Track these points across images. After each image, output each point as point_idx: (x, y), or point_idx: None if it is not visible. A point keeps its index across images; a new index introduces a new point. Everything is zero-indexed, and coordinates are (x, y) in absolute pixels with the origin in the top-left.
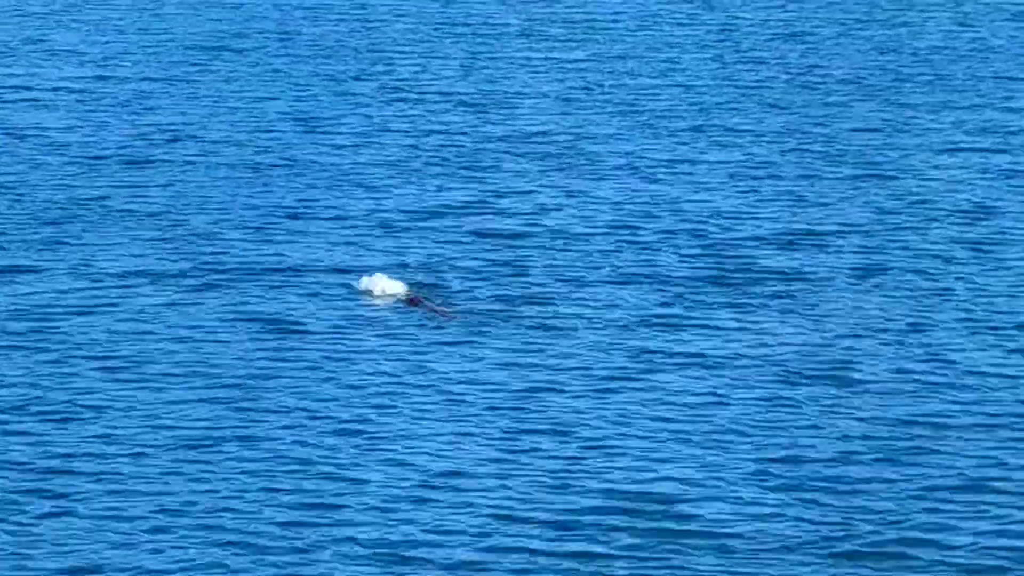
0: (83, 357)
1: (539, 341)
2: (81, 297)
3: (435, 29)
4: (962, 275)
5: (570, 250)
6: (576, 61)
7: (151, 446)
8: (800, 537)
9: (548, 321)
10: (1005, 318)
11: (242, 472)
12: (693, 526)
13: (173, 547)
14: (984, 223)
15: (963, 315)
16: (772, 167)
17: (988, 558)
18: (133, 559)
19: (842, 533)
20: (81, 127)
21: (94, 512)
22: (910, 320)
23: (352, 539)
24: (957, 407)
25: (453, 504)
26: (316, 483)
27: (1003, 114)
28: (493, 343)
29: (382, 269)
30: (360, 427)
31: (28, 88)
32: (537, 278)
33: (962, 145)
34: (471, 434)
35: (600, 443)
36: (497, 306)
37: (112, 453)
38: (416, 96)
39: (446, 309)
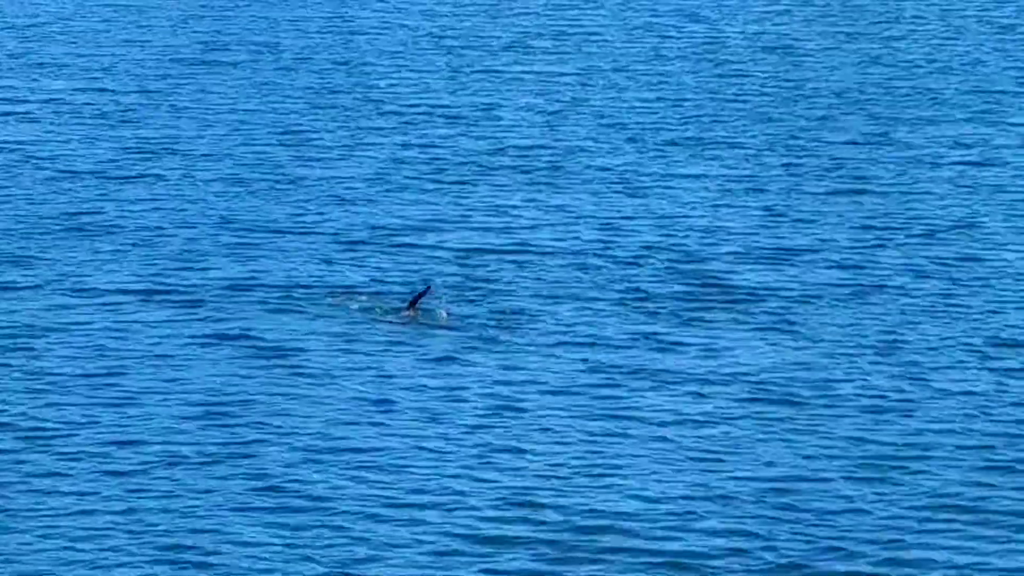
0: (58, 374)
1: (515, 357)
2: (58, 313)
3: (421, 42)
4: (943, 292)
5: (550, 265)
6: (560, 75)
7: (122, 463)
8: (765, 559)
9: (525, 337)
10: (985, 337)
11: (208, 491)
12: (659, 547)
13: (137, 564)
14: (966, 239)
15: (943, 333)
16: (754, 182)
17: None
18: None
19: (810, 555)
20: (62, 141)
21: (58, 529)
22: (889, 338)
23: (315, 556)
24: (934, 428)
25: (415, 521)
26: (288, 500)
27: (987, 128)
28: (468, 358)
29: (363, 285)
30: (332, 444)
31: (10, 101)
32: (515, 294)
33: (944, 160)
34: (439, 451)
35: (570, 462)
36: (473, 321)
37: (83, 470)
38: (401, 110)
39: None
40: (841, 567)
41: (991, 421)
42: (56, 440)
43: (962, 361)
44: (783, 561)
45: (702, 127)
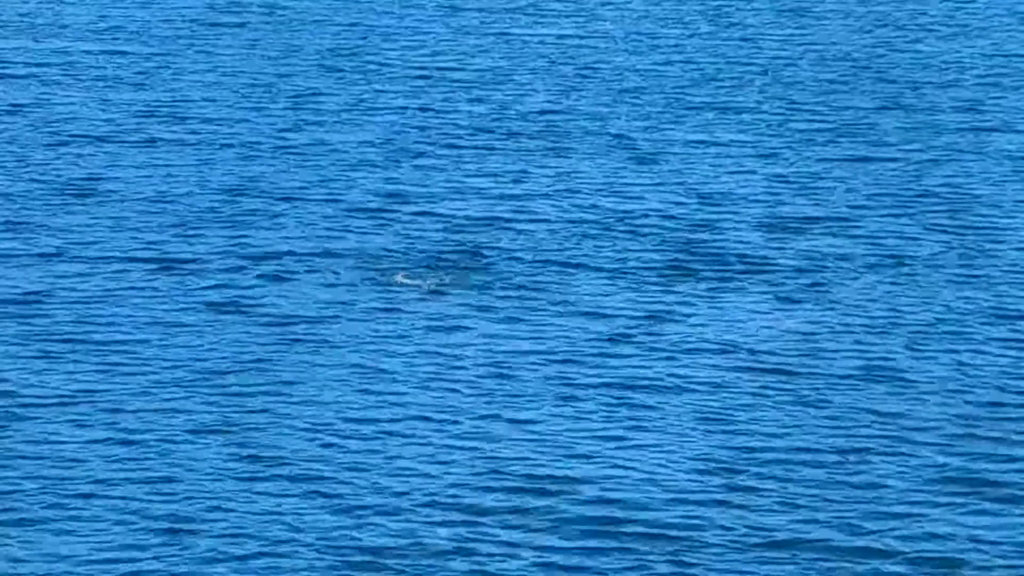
0: (56, 341)
1: (516, 325)
2: (56, 280)
3: (430, 5)
4: (954, 262)
5: (551, 232)
6: (563, 38)
7: (119, 430)
8: (740, 530)
9: (522, 304)
10: (996, 309)
11: (203, 459)
12: (641, 516)
13: (133, 532)
14: (977, 212)
15: (946, 310)
16: (764, 148)
17: (937, 553)
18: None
19: (807, 528)
20: (62, 104)
21: (55, 497)
22: (889, 312)
23: (306, 524)
24: (927, 404)
25: (402, 489)
26: (279, 467)
27: (1000, 92)
28: (466, 325)
29: (357, 252)
30: (333, 413)
31: (10, 63)
32: (517, 261)
33: (955, 126)
34: (431, 419)
35: (560, 432)
36: (473, 289)
37: (79, 438)
38: (409, 74)
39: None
40: (839, 538)
41: (986, 403)
42: (51, 408)
43: (969, 339)
44: (781, 534)
45: (707, 92)
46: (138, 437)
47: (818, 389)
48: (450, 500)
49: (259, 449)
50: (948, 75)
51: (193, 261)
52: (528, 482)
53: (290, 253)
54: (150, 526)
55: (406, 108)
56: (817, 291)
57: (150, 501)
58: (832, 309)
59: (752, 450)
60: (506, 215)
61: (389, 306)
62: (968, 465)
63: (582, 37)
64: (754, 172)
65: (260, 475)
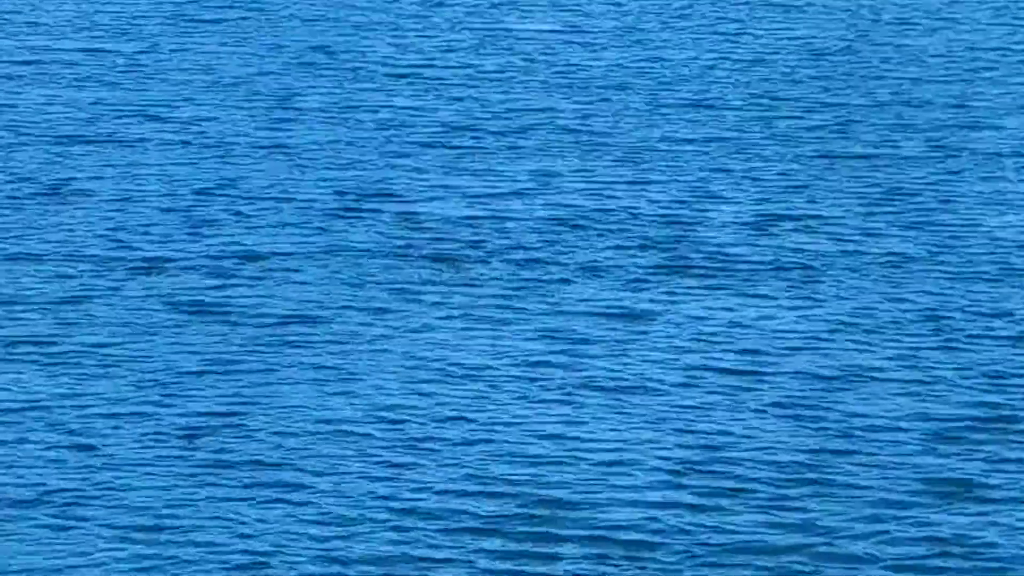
0: (21, 344)
1: (490, 324)
2: (23, 281)
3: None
4: (932, 263)
5: (535, 233)
6: (544, 34)
7: (89, 435)
8: (703, 533)
9: (502, 304)
10: (970, 313)
11: (174, 463)
12: (600, 517)
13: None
14: (957, 210)
15: (930, 312)
16: (744, 145)
17: (911, 558)
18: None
19: (755, 539)
20: (31, 101)
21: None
22: (879, 315)
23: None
24: (910, 411)
25: (378, 493)
26: (260, 473)
27: (983, 87)
28: (441, 324)
29: (327, 252)
30: (309, 415)
31: None
32: (491, 260)
33: (938, 123)
34: (400, 420)
35: (529, 433)
36: (448, 289)
37: (48, 443)
38: (390, 71)
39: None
40: (808, 542)
41: (972, 405)
42: (19, 412)
43: (954, 342)
44: (747, 537)
45: (690, 88)
46: (109, 442)
47: (792, 389)
48: (420, 506)
49: (233, 455)
50: (931, 70)
51: (167, 262)
52: (495, 486)
53: (266, 254)
54: (117, 535)
55: (386, 106)
56: (795, 290)
57: (111, 508)
58: (811, 308)
59: (719, 450)
60: (486, 214)
61: (366, 306)
62: (946, 467)
63: (566, 33)
64: (732, 170)
65: (234, 482)
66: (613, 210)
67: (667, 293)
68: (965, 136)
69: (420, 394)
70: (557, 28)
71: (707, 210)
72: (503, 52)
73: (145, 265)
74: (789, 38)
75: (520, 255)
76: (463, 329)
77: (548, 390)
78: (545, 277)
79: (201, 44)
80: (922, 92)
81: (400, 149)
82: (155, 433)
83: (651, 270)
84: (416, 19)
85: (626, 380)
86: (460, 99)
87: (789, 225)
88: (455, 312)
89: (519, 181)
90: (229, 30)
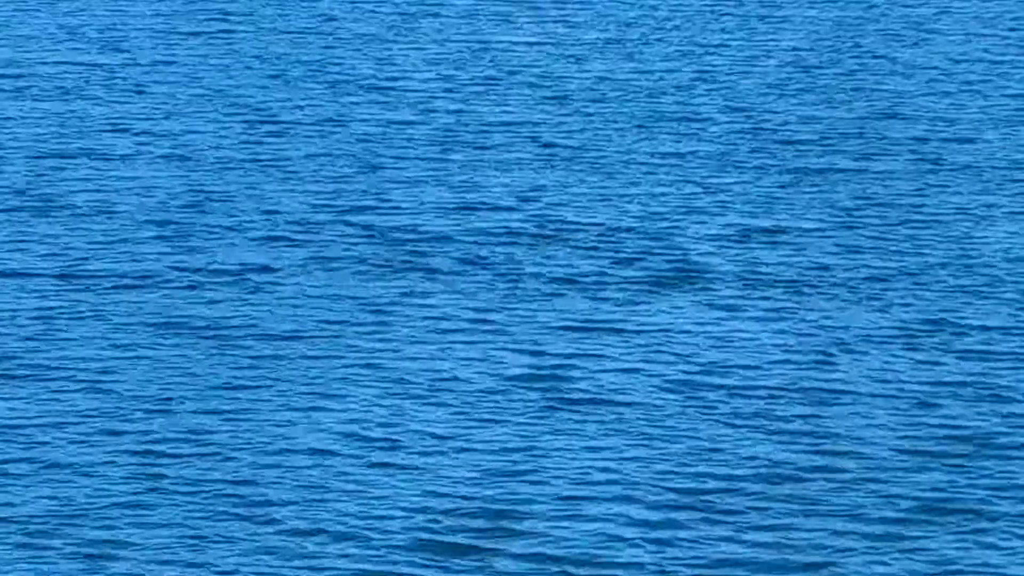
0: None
1: (458, 336)
2: None
3: (390, 13)
4: (904, 280)
5: (515, 246)
6: (527, 45)
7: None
8: (680, 556)
9: (471, 317)
10: (943, 329)
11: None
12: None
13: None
14: (932, 225)
15: (905, 325)
16: (724, 160)
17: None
18: None
19: (750, 550)
20: (8, 115)
21: None
22: (856, 329)
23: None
24: (874, 421)
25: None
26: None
27: (961, 101)
28: (409, 337)
29: (302, 265)
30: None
31: None
32: (463, 272)
33: (915, 136)
34: (373, 437)
35: (495, 450)
36: (422, 297)
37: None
38: (368, 85)
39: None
40: (777, 560)
41: (952, 425)
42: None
43: (935, 357)
44: (726, 555)
45: (671, 102)
46: (83, 460)
47: (761, 404)
48: (386, 525)
49: (199, 472)
50: (915, 84)
51: (142, 278)
52: (464, 501)
53: (239, 269)
54: (81, 553)
55: (364, 119)
56: (769, 304)
57: (80, 526)
58: (785, 322)
59: (692, 465)
60: (460, 226)
61: (340, 319)
62: (915, 484)
63: (545, 45)
64: (711, 183)
65: (198, 503)
66: (591, 224)
67: (644, 306)
68: (948, 149)
69: (391, 408)
70: (540, 40)
71: (686, 223)
72: (486, 65)
73: (118, 282)
74: (769, 52)
75: (498, 269)
76: (438, 345)
77: (523, 404)
78: (521, 291)
79: (179, 58)
80: (905, 106)
81: (378, 161)
82: (123, 451)
83: (629, 282)
84: (398, 31)
85: (599, 394)
86: (438, 111)
87: (767, 239)
88: (425, 324)
89: (497, 193)
90: (208, 45)
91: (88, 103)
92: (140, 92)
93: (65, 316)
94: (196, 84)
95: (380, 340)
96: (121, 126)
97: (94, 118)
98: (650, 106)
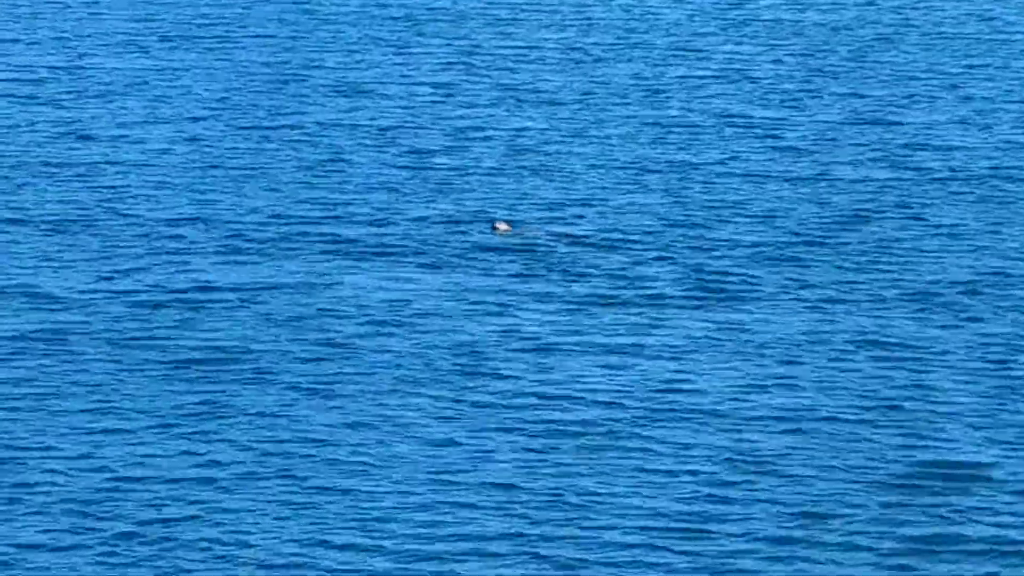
0: None
1: (402, 356)
2: None
3: (376, 18)
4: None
5: (513, 250)
6: (522, 50)
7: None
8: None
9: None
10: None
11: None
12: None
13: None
14: (898, 237)
15: (863, 328)
16: (699, 169)
17: None
18: None
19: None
20: None
21: None
22: (809, 346)
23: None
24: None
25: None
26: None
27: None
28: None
29: (259, 289)
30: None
31: None
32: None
33: (884, 145)
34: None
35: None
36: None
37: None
38: (348, 90)
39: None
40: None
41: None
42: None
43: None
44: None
45: (645, 112)
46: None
47: (700, 429)
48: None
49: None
50: (894, 91)
51: (108, 294)
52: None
53: (191, 288)
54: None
55: (336, 125)
56: (716, 315)
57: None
58: (736, 334)
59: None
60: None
61: (301, 337)
62: (875, 510)
63: (537, 50)
64: (650, 196)
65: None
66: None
67: (594, 322)
68: (906, 158)
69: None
70: (533, 44)
71: (646, 237)
72: (468, 73)
73: (84, 298)
74: (745, 59)
75: (456, 284)
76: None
77: (462, 427)
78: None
79: (149, 68)
80: (885, 114)
81: (345, 176)
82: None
83: (582, 300)
84: (372, 40)
85: (548, 416)
86: (414, 119)
87: (721, 251)
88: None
89: (466, 205)
90: (179, 52)
91: (51, 109)
92: (98, 101)
93: (31, 333)
94: (171, 92)
95: (337, 373)
96: (79, 136)
97: (50, 129)
98: (610, 114)
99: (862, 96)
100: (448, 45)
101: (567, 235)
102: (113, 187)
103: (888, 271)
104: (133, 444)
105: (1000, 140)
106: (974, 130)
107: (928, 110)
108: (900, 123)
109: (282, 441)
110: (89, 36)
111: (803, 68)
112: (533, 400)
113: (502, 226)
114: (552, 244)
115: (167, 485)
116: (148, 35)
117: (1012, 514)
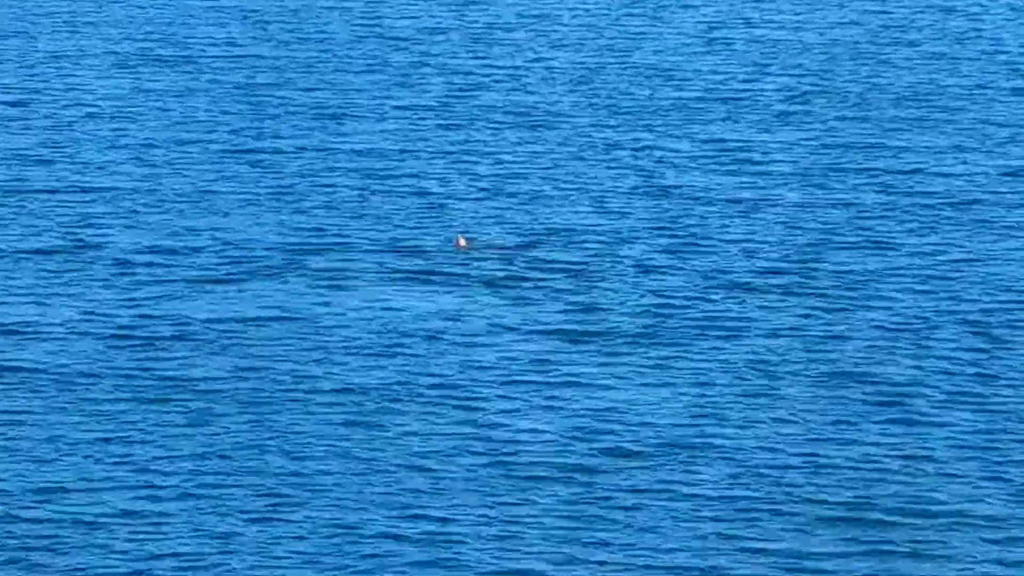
0: None
1: (377, 372)
2: None
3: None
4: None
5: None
6: (501, 71)
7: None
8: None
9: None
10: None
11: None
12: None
13: None
14: (884, 261)
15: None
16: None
17: None
18: None
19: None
20: None
21: None
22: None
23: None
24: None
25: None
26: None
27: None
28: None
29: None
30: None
31: None
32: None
33: (873, 165)
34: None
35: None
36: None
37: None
38: (331, 110)
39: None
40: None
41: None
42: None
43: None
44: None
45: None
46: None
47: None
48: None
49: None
50: (876, 110)
51: (75, 322)
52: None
53: (161, 318)
54: None
55: (315, 147)
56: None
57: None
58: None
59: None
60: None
61: (274, 366)
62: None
63: (519, 68)
64: (630, 211)
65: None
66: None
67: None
68: (903, 181)
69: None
70: (511, 63)
71: (616, 263)
72: (447, 87)
73: (52, 330)
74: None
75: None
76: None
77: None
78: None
79: (116, 89)
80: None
81: (315, 199)
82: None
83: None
84: (347, 59)
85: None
86: (393, 132)
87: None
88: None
89: (427, 224)
90: (157, 70)
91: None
92: (69, 124)
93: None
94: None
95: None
96: (44, 159)
97: (17, 150)
98: (589, 139)
99: (843, 119)
100: (425, 66)
101: (529, 247)
102: (84, 214)
103: (863, 302)
104: (102, 475)
105: (989, 167)
106: (959, 156)
107: (909, 138)
108: (883, 147)
109: (259, 472)
110: (64, 57)
111: (784, 92)
112: (488, 432)
113: (462, 241)
114: (518, 265)
115: (133, 519)
116: (126, 57)
117: (990, 560)
